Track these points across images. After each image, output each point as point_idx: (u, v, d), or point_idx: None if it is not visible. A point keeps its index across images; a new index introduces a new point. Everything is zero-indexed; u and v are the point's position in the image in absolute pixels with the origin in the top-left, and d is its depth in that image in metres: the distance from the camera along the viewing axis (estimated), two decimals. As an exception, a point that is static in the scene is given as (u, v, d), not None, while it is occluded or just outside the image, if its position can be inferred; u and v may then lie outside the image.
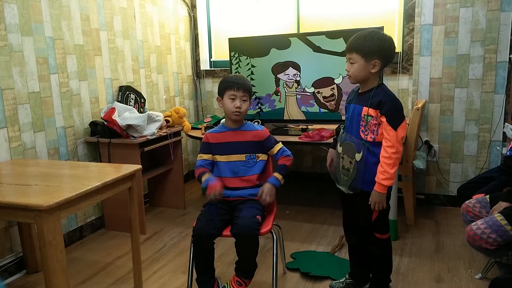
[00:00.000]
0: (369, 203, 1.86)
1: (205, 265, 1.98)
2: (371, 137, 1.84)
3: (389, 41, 1.81)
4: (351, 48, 1.84)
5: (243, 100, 2.04)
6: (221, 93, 2.08)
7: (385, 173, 1.79)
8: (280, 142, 2.16)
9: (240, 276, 1.99)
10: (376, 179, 1.82)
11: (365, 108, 1.84)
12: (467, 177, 3.18)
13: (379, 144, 1.82)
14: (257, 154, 2.11)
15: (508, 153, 2.42)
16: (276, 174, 2.06)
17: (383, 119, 1.79)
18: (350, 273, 2.17)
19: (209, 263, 1.99)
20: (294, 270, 2.41)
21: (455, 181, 3.28)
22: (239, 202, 2.03)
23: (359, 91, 1.92)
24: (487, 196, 2.17)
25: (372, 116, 1.82)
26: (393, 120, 1.77)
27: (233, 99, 2.03)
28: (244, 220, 1.88)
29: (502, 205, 2.00)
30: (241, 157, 2.08)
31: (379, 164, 1.81)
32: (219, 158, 2.09)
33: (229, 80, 2.07)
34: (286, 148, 2.14)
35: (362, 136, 1.86)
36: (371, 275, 2.09)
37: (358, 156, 1.86)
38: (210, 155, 2.11)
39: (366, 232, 2.00)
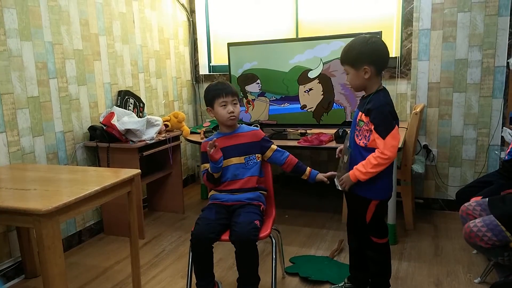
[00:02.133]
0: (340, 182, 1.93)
1: (204, 269, 1.97)
2: (363, 143, 1.86)
3: (374, 44, 1.81)
4: (341, 61, 1.90)
5: (234, 104, 2.07)
6: (210, 102, 2.09)
7: (365, 167, 1.81)
8: (274, 143, 2.19)
9: None
10: (355, 166, 1.86)
11: (360, 113, 1.88)
12: (466, 181, 3.19)
13: (371, 150, 1.83)
14: (256, 155, 2.11)
15: (506, 157, 2.43)
16: (308, 169, 2.15)
17: (372, 127, 1.81)
18: (349, 277, 2.17)
19: (208, 267, 1.98)
20: (293, 274, 2.41)
21: (453, 185, 3.28)
22: (237, 207, 2.03)
23: (363, 96, 1.95)
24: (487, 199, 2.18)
25: (364, 122, 1.85)
26: (381, 129, 1.78)
27: (224, 105, 2.05)
28: (242, 226, 1.88)
29: None
30: (241, 159, 2.09)
31: (367, 158, 1.83)
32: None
33: (215, 88, 2.09)
34: (280, 148, 2.18)
35: (357, 140, 1.89)
36: (370, 279, 2.09)
37: (345, 158, 1.92)
38: None
39: (364, 236, 2.00)
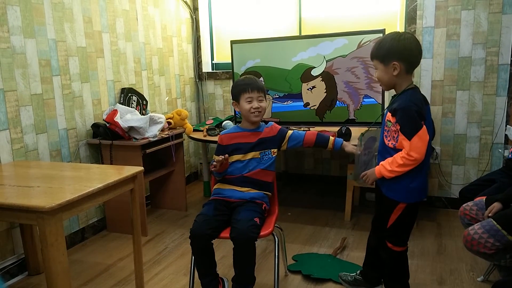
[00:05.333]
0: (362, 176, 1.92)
1: (205, 267, 1.96)
2: (392, 144, 1.80)
3: (405, 40, 1.75)
4: (371, 56, 1.84)
5: (260, 100, 2.07)
6: (236, 97, 2.11)
7: (390, 165, 1.77)
8: (290, 129, 2.22)
9: None
10: (381, 162, 1.83)
11: (388, 113, 1.83)
12: (469, 180, 3.18)
13: (400, 151, 1.77)
14: (272, 150, 2.13)
15: (510, 155, 2.42)
16: (332, 138, 2.15)
17: (398, 127, 1.75)
18: (362, 271, 2.16)
19: (209, 264, 1.97)
20: (296, 272, 2.41)
21: (457, 184, 3.27)
22: (239, 204, 2.02)
23: (394, 95, 1.89)
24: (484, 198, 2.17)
25: (391, 122, 1.79)
26: (406, 130, 1.72)
27: (250, 101, 2.06)
28: (242, 223, 1.87)
29: (495, 206, 1.98)
30: (256, 154, 2.10)
31: (393, 156, 1.78)
32: (235, 157, 2.10)
33: (242, 83, 2.10)
34: (296, 131, 2.21)
35: (385, 141, 1.84)
36: (382, 280, 2.08)
37: (358, 156, 1.92)
38: None
39: (381, 236, 1.98)
